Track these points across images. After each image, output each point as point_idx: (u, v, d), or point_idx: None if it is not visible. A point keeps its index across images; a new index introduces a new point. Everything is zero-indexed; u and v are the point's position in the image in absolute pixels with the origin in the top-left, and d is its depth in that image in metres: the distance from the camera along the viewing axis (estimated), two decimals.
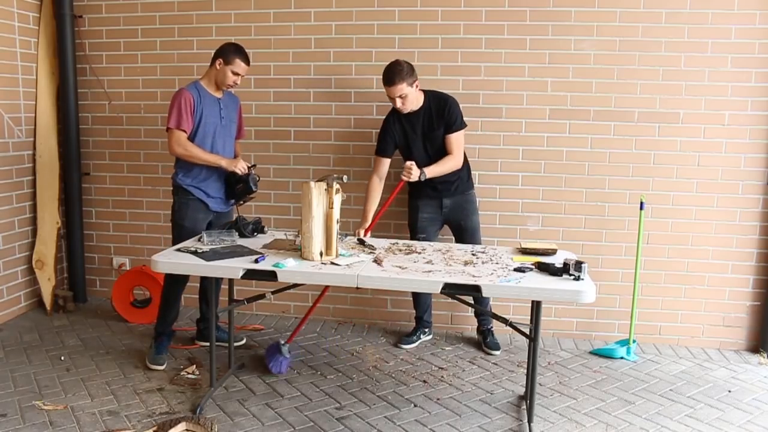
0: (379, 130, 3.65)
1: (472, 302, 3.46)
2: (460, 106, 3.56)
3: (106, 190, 4.40)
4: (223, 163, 3.40)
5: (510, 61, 3.83)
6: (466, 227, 3.68)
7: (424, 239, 3.60)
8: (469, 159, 3.71)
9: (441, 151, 3.54)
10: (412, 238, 3.70)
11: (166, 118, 3.35)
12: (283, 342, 3.45)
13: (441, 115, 3.50)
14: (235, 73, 3.38)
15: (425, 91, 3.55)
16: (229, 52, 3.37)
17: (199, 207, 3.44)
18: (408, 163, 3.42)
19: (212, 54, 3.41)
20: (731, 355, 3.80)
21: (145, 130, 4.28)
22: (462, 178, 3.64)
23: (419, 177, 3.41)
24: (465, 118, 3.60)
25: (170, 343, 3.59)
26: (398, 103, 3.42)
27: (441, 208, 3.66)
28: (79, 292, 4.41)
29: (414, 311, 3.93)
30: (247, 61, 3.41)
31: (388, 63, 3.42)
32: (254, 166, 3.58)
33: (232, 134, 3.57)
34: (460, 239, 3.68)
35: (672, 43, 3.70)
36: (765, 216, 3.78)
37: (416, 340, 3.84)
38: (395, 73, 3.35)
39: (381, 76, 3.42)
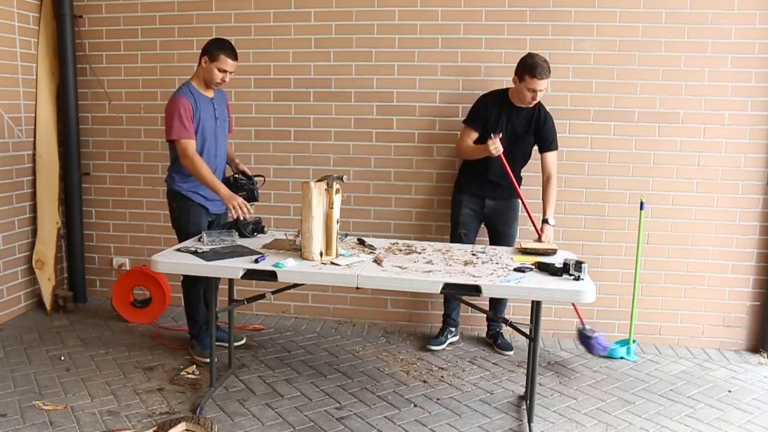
0: (474, 104, 3.60)
1: (487, 308, 3.44)
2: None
3: (106, 190, 4.40)
4: (222, 193, 3.20)
5: (510, 61, 3.81)
6: (502, 233, 3.66)
7: (465, 235, 3.60)
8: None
9: (521, 154, 3.58)
10: (452, 234, 3.69)
11: (166, 128, 3.23)
12: (583, 327, 3.63)
13: (539, 125, 3.51)
14: (222, 71, 3.24)
15: None
16: (214, 48, 3.23)
17: (201, 211, 3.39)
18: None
19: None
20: (731, 355, 3.80)
21: (145, 130, 4.28)
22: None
23: (551, 227, 3.53)
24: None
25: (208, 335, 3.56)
26: (537, 96, 3.39)
27: (482, 208, 3.64)
28: (79, 292, 4.41)
29: (443, 309, 3.90)
30: (232, 56, 3.25)
31: (525, 55, 3.39)
32: (262, 177, 3.55)
33: (226, 132, 3.50)
34: (493, 244, 3.63)
35: (672, 43, 3.70)
36: (765, 216, 3.78)
37: (444, 341, 3.80)
38: (547, 68, 3.31)
39: (526, 67, 3.32)
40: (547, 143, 3.55)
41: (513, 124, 3.52)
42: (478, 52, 3.85)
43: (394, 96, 3.99)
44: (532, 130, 3.53)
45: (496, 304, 3.71)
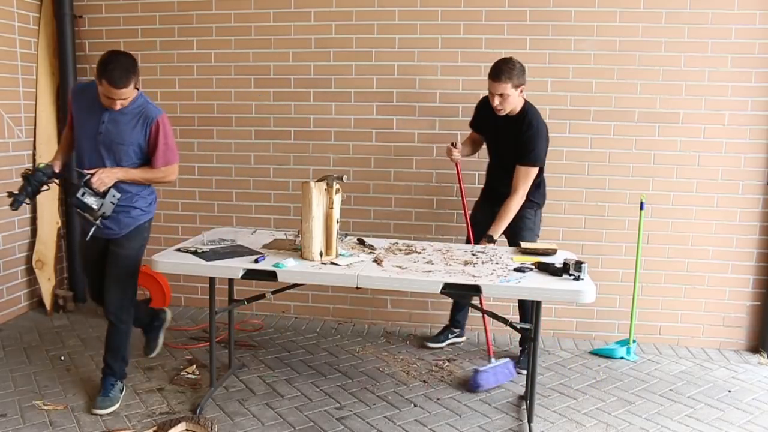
0: (475, 105, 3.57)
1: (486, 310, 3.35)
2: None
3: None
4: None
5: None
6: (514, 244, 3.39)
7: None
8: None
9: (511, 163, 3.35)
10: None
11: None
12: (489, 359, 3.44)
13: (519, 135, 3.29)
14: (106, 96, 2.64)
15: (529, 105, 3.34)
16: (97, 69, 2.66)
17: None
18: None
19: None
20: (731, 355, 3.80)
21: None
22: None
23: (492, 242, 3.24)
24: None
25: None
26: (496, 101, 3.24)
27: (492, 215, 3.42)
28: (79, 292, 4.40)
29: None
30: (109, 82, 2.59)
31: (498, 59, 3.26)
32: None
33: (117, 154, 2.79)
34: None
35: (672, 43, 3.70)
36: (765, 216, 3.78)
37: (444, 340, 3.78)
38: (503, 70, 3.17)
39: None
40: (519, 154, 3.30)
41: (500, 131, 3.40)
42: (478, 52, 3.85)
43: (394, 96, 3.99)
44: (513, 139, 3.34)
45: (523, 313, 3.46)
